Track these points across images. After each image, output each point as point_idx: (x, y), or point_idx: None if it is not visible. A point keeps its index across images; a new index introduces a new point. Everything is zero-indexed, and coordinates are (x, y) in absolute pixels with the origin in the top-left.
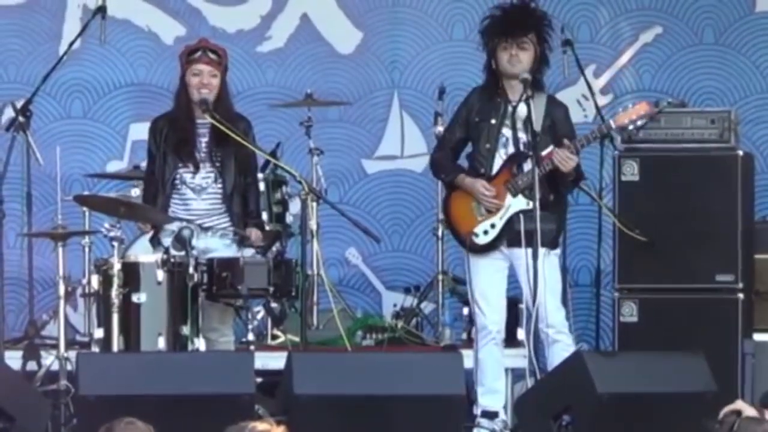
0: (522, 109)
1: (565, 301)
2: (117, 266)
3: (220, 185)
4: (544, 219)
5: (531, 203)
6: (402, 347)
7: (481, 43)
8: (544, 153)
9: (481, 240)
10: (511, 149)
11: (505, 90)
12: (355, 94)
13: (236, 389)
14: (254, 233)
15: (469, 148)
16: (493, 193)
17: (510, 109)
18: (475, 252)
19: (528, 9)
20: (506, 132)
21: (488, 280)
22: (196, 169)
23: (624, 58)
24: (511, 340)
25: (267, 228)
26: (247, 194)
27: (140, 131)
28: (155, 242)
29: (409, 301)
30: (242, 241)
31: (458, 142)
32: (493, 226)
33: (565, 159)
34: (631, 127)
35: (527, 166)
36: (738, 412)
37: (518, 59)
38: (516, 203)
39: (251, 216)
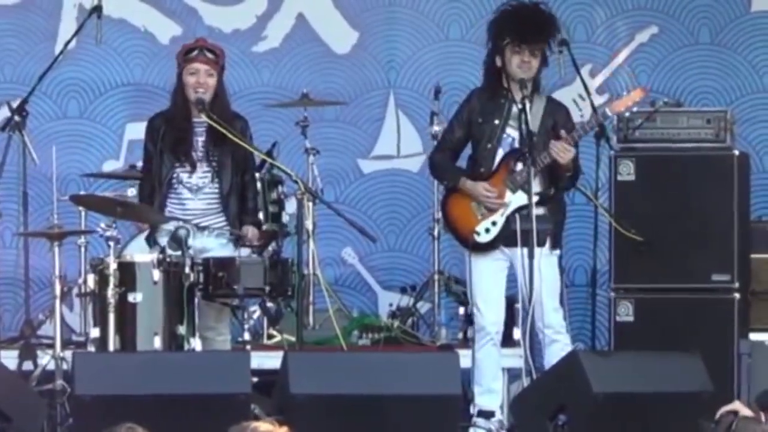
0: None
1: (562, 301)
2: (113, 266)
3: (216, 185)
4: (541, 219)
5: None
6: (398, 347)
7: (487, 38)
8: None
9: (483, 238)
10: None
11: (510, 90)
12: (351, 93)
13: (232, 389)
14: (251, 231)
15: (468, 148)
16: (495, 193)
17: (515, 109)
18: (477, 251)
19: (545, 16)
20: (511, 132)
21: (489, 281)
22: (193, 168)
23: (620, 58)
24: (507, 340)
25: (264, 227)
26: (245, 192)
27: (136, 131)
28: (151, 241)
29: (405, 300)
30: (239, 240)
31: (458, 142)
32: (494, 223)
33: (562, 150)
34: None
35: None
36: (735, 413)
37: (529, 66)
38: (516, 199)
39: (249, 214)
